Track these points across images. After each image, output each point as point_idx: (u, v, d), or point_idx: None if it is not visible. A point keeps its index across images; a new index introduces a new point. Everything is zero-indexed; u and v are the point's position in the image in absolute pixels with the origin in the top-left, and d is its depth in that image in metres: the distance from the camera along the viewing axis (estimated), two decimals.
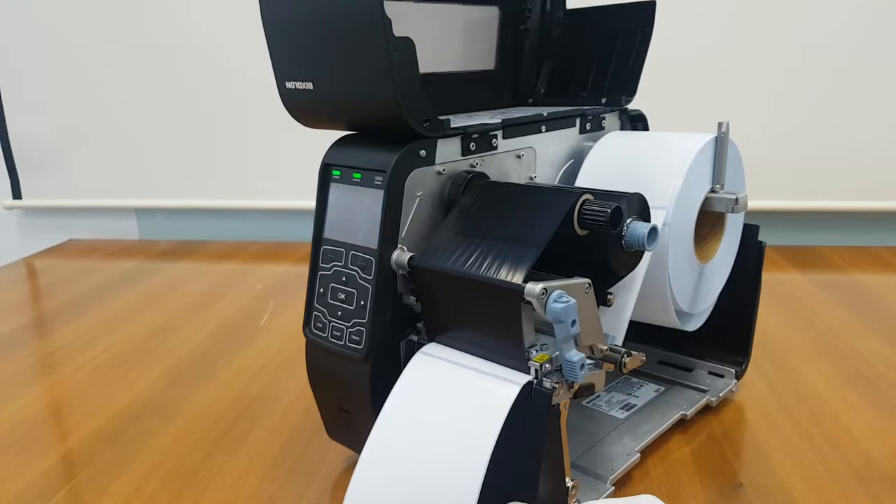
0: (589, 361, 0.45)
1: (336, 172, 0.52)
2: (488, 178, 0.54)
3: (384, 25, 0.44)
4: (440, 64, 0.66)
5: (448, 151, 0.52)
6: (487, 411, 0.43)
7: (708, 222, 0.65)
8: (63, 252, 1.37)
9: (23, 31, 1.35)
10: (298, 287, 1.09)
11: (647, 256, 0.54)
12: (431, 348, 0.49)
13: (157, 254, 1.33)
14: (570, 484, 0.47)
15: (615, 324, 0.54)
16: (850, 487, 0.55)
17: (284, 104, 0.54)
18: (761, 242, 0.69)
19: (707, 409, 0.66)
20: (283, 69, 0.52)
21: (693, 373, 0.71)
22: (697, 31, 1.17)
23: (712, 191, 0.62)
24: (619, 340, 0.54)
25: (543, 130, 0.61)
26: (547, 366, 0.44)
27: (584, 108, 0.67)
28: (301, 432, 0.66)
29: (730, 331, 0.70)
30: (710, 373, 0.70)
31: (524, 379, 0.44)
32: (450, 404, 0.45)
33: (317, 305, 0.53)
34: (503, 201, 0.49)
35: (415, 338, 0.51)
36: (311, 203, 1.34)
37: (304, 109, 0.53)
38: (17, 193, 1.45)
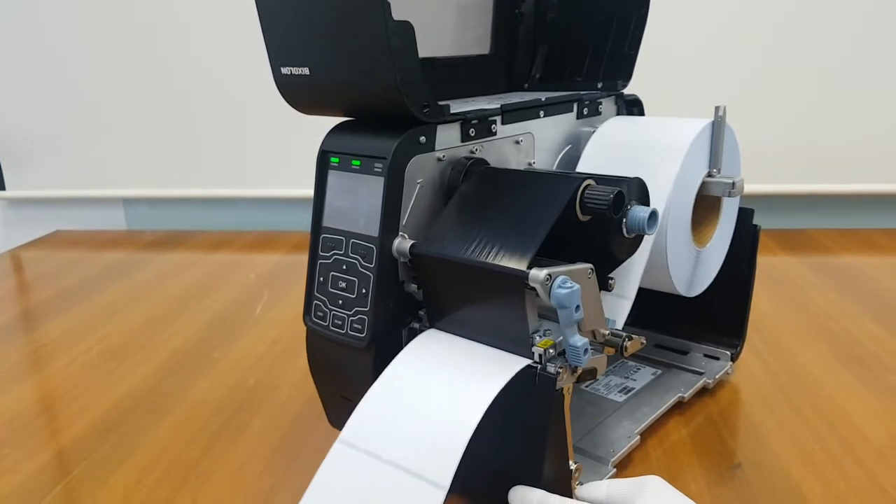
0: (591, 346, 0.46)
1: (334, 160, 0.52)
2: (488, 164, 0.54)
3: (384, 9, 0.43)
4: (435, 48, 0.65)
5: (448, 137, 0.52)
6: (482, 384, 0.43)
7: (704, 206, 0.65)
8: (49, 244, 1.36)
9: (6, 21, 1.33)
10: (292, 277, 1.08)
11: (647, 241, 0.54)
12: (432, 333, 0.50)
13: (145, 244, 1.32)
14: (573, 467, 0.47)
15: (616, 308, 0.54)
16: (845, 465, 0.56)
17: (280, 90, 0.53)
18: (756, 226, 0.69)
19: (704, 392, 0.67)
20: (278, 54, 0.51)
21: (689, 355, 0.71)
22: (694, 16, 1.16)
23: (709, 175, 0.62)
24: (620, 325, 0.54)
25: (541, 116, 0.61)
26: (551, 351, 0.44)
27: (581, 93, 0.67)
28: (302, 422, 0.66)
29: (725, 314, 0.71)
30: (706, 355, 0.71)
31: (525, 361, 0.45)
32: (444, 379, 0.45)
33: (317, 294, 0.53)
34: (504, 187, 0.49)
35: (417, 325, 0.51)
36: (302, 191, 1.33)
37: (300, 95, 0.52)
38: (0, 185, 1.43)
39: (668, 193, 0.57)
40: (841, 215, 1.24)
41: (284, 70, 0.51)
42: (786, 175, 1.21)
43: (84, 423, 0.68)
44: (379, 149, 0.48)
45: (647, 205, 0.52)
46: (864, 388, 0.67)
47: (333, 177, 0.52)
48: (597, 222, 0.49)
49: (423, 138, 0.49)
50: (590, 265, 0.45)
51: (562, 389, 0.45)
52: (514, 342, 0.45)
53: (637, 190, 0.51)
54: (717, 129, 0.61)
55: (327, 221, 0.52)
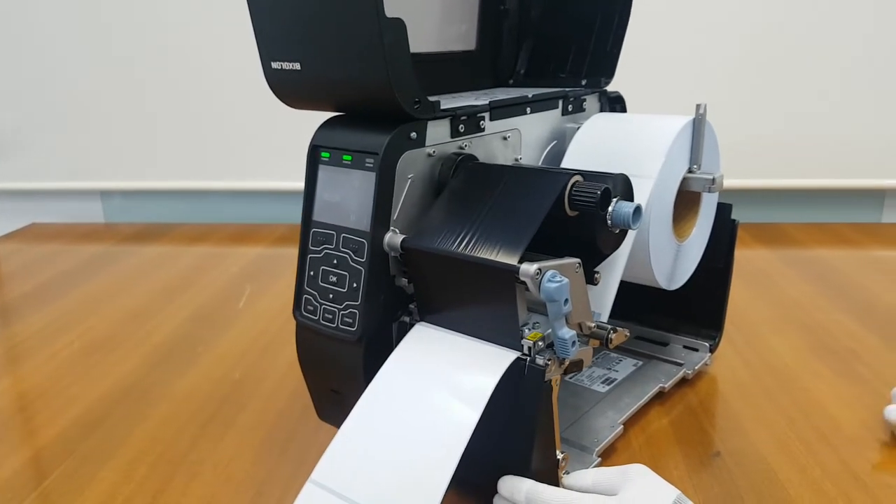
0: (577, 338, 0.47)
1: (325, 154, 0.52)
2: (477, 159, 0.55)
3: (377, 6, 0.43)
4: (422, 44, 0.65)
5: (437, 133, 0.52)
6: (475, 385, 0.44)
7: (685, 201, 0.67)
8: (26, 236, 1.34)
9: None
10: (275, 269, 1.08)
11: (630, 235, 0.55)
12: (423, 328, 0.50)
13: (125, 237, 1.30)
14: (560, 456, 0.49)
15: (601, 301, 0.56)
16: (819, 452, 0.58)
17: (270, 85, 0.53)
18: (734, 221, 0.71)
19: (683, 382, 0.69)
20: (268, 49, 0.51)
21: (669, 347, 0.73)
22: (674, 15, 1.17)
23: (690, 171, 0.63)
24: (605, 317, 0.56)
25: (528, 112, 0.61)
26: (540, 343, 0.45)
27: (567, 89, 0.68)
28: (289, 414, 0.66)
29: (704, 306, 0.72)
30: (685, 347, 0.72)
31: (515, 354, 0.45)
32: (439, 377, 0.46)
33: (307, 288, 0.53)
34: (493, 183, 0.50)
35: (407, 319, 0.52)
36: (283, 184, 1.32)
37: (290, 90, 0.52)
38: None
39: (651, 189, 0.58)
40: (814, 210, 1.27)
41: (275, 65, 0.51)
42: (761, 170, 1.23)
43: (69, 418, 0.68)
44: (370, 144, 0.49)
45: (632, 200, 0.53)
46: (837, 377, 0.70)
47: (324, 171, 0.52)
48: (583, 217, 0.50)
49: (413, 134, 0.50)
50: (577, 260, 0.46)
51: (550, 381, 0.46)
52: (504, 335, 0.46)
53: (622, 186, 0.52)
54: (698, 126, 0.62)
55: (318, 216, 0.52)
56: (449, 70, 0.71)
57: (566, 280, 0.42)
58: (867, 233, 1.18)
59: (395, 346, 0.51)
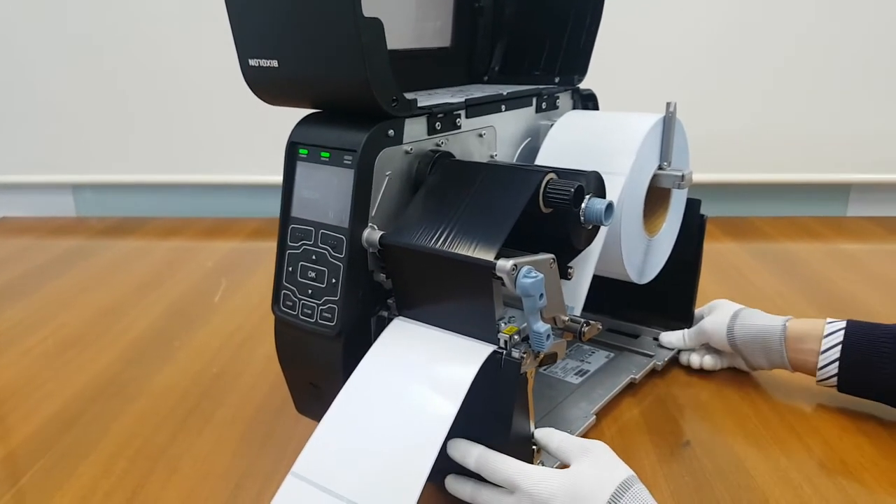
0: (552, 332, 0.48)
1: (303, 151, 0.52)
2: (454, 156, 0.55)
3: (354, 6, 0.44)
4: (397, 40, 0.66)
5: (415, 131, 0.53)
6: (453, 378, 0.45)
7: (655, 197, 0.68)
8: None
9: None
10: (250, 264, 1.08)
11: (602, 231, 0.57)
12: (400, 322, 0.51)
13: (97, 231, 1.29)
14: (535, 448, 0.50)
15: (574, 296, 0.57)
16: (785, 441, 0.59)
17: (247, 82, 0.53)
18: (703, 216, 0.72)
19: (654, 373, 0.70)
20: (246, 46, 0.51)
21: (639, 339, 0.74)
22: (645, 13, 1.18)
23: (660, 168, 0.65)
24: (578, 311, 0.57)
25: (503, 109, 0.62)
26: (515, 337, 0.46)
27: (541, 87, 0.68)
28: (267, 408, 0.66)
29: (673, 299, 0.74)
30: (655, 339, 0.74)
31: (491, 348, 0.46)
32: (418, 371, 0.47)
33: (285, 284, 0.53)
34: (469, 180, 0.51)
35: (385, 314, 0.52)
36: (256, 177, 1.32)
37: (268, 87, 0.52)
38: None
39: (623, 186, 0.59)
40: (782, 204, 1.29)
41: (252, 62, 0.51)
42: (730, 165, 1.25)
43: (46, 414, 0.67)
44: (349, 142, 0.49)
45: (604, 197, 0.54)
46: (805, 374, 0.69)
47: (302, 168, 0.52)
48: (557, 214, 0.51)
49: (391, 132, 0.50)
50: (551, 255, 0.47)
51: (525, 373, 0.47)
52: (481, 329, 0.46)
53: (594, 183, 0.53)
54: (668, 124, 0.64)
55: (296, 212, 0.52)
56: (424, 67, 0.71)
57: (541, 275, 0.43)
58: (833, 226, 1.21)
59: (374, 340, 0.52)
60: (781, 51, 1.20)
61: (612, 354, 0.71)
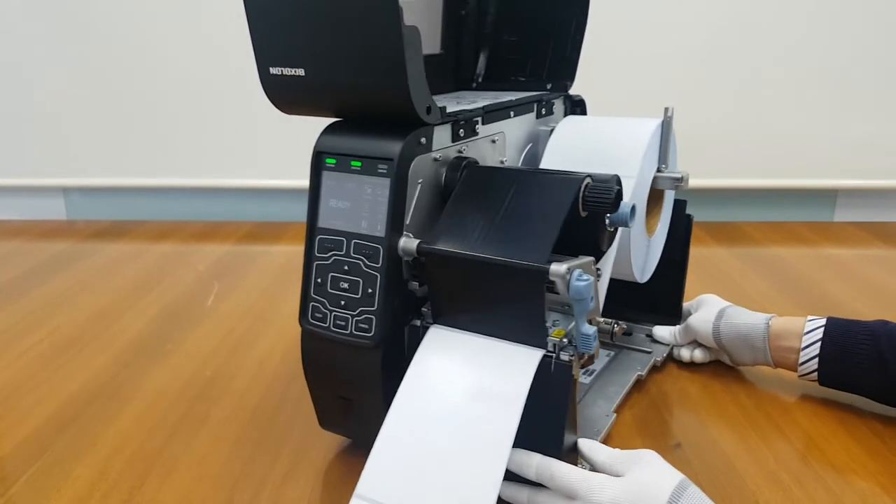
0: None
1: (330, 161, 0.49)
2: (478, 163, 0.54)
3: (398, 15, 0.41)
4: None
5: (441, 138, 0.50)
6: (509, 385, 0.43)
7: (652, 199, 0.70)
8: None
9: None
10: (243, 267, 1.04)
11: (619, 233, 0.58)
12: (439, 330, 0.49)
13: (88, 235, 1.24)
14: (579, 443, 0.49)
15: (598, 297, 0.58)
16: (775, 443, 0.59)
17: (266, 90, 0.49)
18: (689, 216, 0.75)
19: (653, 368, 0.69)
20: (267, 54, 0.48)
21: (633, 336, 0.75)
22: (631, 18, 1.17)
23: (658, 170, 0.67)
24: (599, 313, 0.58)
25: (512, 116, 0.61)
26: (564, 340, 0.46)
27: (543, 94, 0.67)
28: (262, 411, 0.64)
29: (663, 296, 0.74)
30: (647, 335, 0.75)
31: (541, 352, 0.45)
32: (470, 380, 0.44)
33: (314, 296, 0.50)
34: (502, 187, 0.49)
35: (417, 322, 0.50)
36: (248, 181, 1.27)
37: (290, 96, 0.49)
38: None
39: (633, 188, 0.61)
40: (770, 209, 1.26)
41: (274, 70, 0.49)
42: (719, 170, 1.22)
43: (40, 417, 0.64)
44: (384, 150, 0.46)
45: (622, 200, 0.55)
46: (790, 371, 0.67)
47: (329, 178, 0.49)
48: (588, 217, 0.50)
49: (423, 139, 0.48)
50: (592, 258, 0.48)
51: (573, 375, 0.46)
52: (528, 334, 0.45)
53: (617, 186, 0.54)
54: (666, 128, 0.65)
55: (323, 222, 0.49)
56: None
57: (592, 278, 0.44)
58: (820, 231, 1.19)
59: (407, 350, 0.51)
60: (770, 56, 1.17)
61: (612, 353, 0.71)
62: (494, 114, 0.58)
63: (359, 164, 0.48)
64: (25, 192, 1.34)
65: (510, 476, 0.47)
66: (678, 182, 0.65)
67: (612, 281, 0.66)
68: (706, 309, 0.69)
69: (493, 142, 0.59)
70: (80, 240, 1.21)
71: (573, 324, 0.45)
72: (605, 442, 0.58)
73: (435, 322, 0.50)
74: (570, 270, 0.42)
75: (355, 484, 0.50)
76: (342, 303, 0.49)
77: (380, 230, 0.48)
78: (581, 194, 0.47)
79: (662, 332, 0.73)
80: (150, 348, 0.78)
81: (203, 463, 0.57)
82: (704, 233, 1.17)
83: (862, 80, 1.19)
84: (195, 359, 0.75)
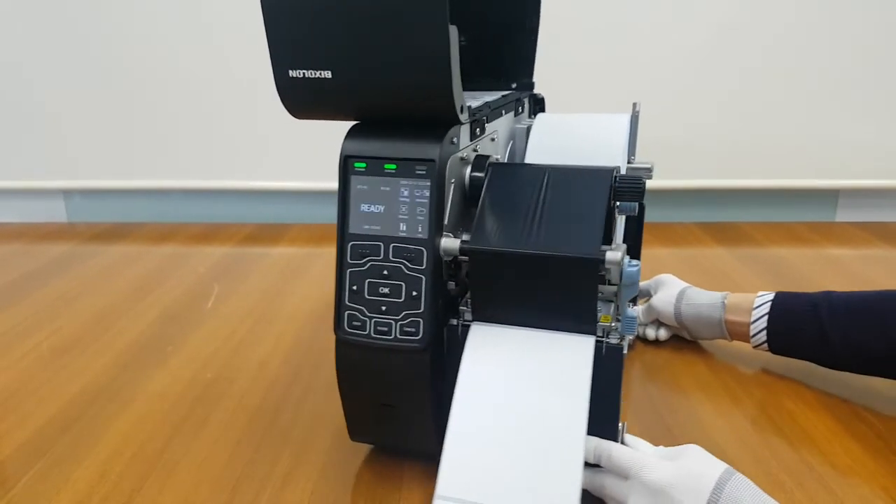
0: None
1: (360, 165, 0.47)
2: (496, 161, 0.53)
3: (446, 14, 0.39)
4: None
5: (464, 137, 0.49)
6: (572, 372, 0.43)
7: None
8: None
9: None
10: (243, 269, 1.01)
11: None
12: (481, 327, 0.49)
13: (89, 237, 1.19)
14: (621, 425, 0.49)
15: None
16: (775, 444, 0.58)
17: (282, 93, 0.46)
18: (642, 205, 0.79)
19: (645, 375, 0.69)
20: (287, 56, 0.44)
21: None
22: (636, 17, 1.14)
23: (629, 161, 0.71)
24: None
25: (503, 114, 0.61)
26: (613, 324, 0.48)
27: (522, 93, 0.67)
28: (263, 413, 0.62)
29: None
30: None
31: (592, 338, 0.45)
32: (529, 372, 0.44)
33: (349, 304, 0.47)
34: (533, 183, 0.48)
35: (455, 321, 0.49)
36: (249, 183, 1.24)
37: (310, 99, 0.46)
38: None
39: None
40: (771, 209, 1.23)
41: (294, 73, 0.45)
42: (720, 171, 1.19)
43: (42, 419, 0.62)
44: (422, 152, 0.44)
45: None
46: (791, 372, 0.69)
47: (359, 182, 0.47)
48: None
49: (455, 139, 0.47)
50: (626, 245, 0.50)
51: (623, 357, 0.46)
52: (579, 321, 0.44)
53: None
54: (634, 122, 0.70)
55: (354, 228, 0.47)
56: None
57: (640, 263, 0.47)
58: (821, 232, 1.16)
59: (447, 349, 0.50)
60: (771, 56, 1.14)
61: None
62: (495, 112, 0.59)
63: (394, 166, 0.47)
64: (26, 194, 1.28)
65: None
66: (649, 172, 0.70)
67: None
68: (667, 290, 0.73)
69: (493, 140, 0.60)
70: (81, 242, 1.16)
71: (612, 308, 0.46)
72: None
73: (475, 320, 0.50)
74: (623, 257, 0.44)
75: (356, 485, 0.50)
76: (383, 308, 0.48)
77: (421, 232, 0.46)
78: (613, 186, 0.50)
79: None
80: (150, 350, 0.76)
81: (203, 465, 0.55)
82: (705, 233, 1.13)
83: (864, 81, 1.15)
84: (196, 361, 0.73)
